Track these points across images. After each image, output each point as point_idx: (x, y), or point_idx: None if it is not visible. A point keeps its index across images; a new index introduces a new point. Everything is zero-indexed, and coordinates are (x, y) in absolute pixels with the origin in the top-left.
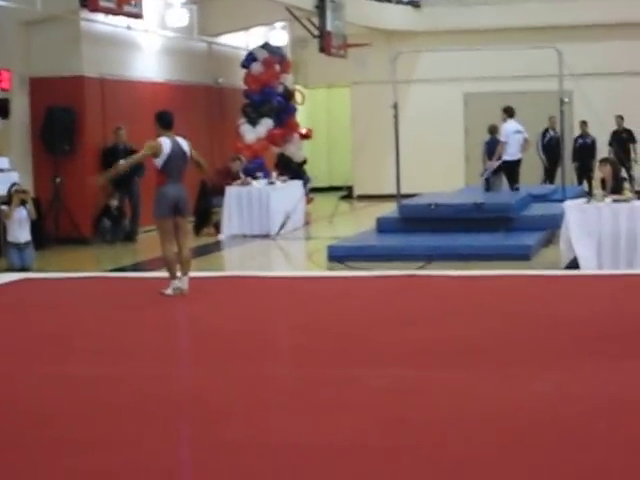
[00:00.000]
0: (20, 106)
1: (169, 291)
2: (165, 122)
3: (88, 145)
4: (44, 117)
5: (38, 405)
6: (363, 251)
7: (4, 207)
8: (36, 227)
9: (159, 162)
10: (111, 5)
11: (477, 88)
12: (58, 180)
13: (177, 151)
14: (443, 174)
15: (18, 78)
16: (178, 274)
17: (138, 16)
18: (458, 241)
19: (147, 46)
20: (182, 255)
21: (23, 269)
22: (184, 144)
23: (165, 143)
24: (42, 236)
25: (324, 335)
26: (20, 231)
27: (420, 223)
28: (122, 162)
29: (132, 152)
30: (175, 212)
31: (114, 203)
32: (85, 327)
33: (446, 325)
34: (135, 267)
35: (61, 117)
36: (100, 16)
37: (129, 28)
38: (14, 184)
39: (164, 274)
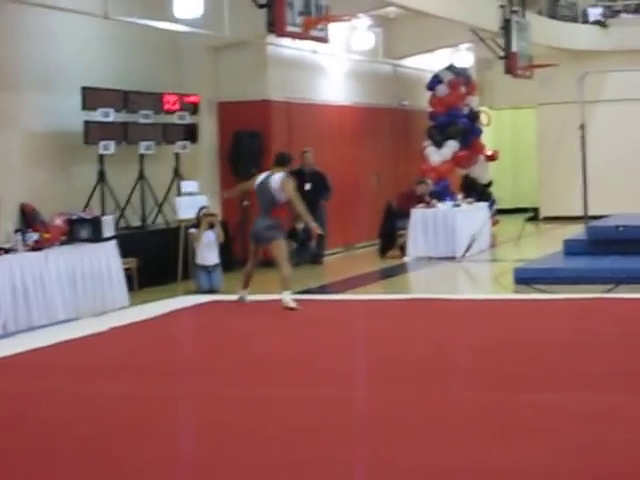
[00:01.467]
0: (208, 130)
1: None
2: (274, 160)
3: None
4: (231, 141)
5: (228, 424)
6: (550, 273)
7: (193, 230)
8: (224, 250)
9: None
10: (297, 30)
11: None
12: (245, 203)
13: (262, 186)
14: (632, 195)
15: (206, 102)
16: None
17: (324, 40)
18: None
19: (333, 69)
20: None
21: (211, 291)
22: (273, 180)
23: (258, 178)
24: (230, 259)
25: (512, 358)
26: (209, 254)
27: (608, 245)
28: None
29: (318, 175)
30: (256, 241)
31: (300, 226)
32: (272, 349)
33: (636, 349)
34: (321, 289)
35: (248, 141)
36: (286, 41)
37: (315, 52)
38: (203, 207)
39: (350, 296)
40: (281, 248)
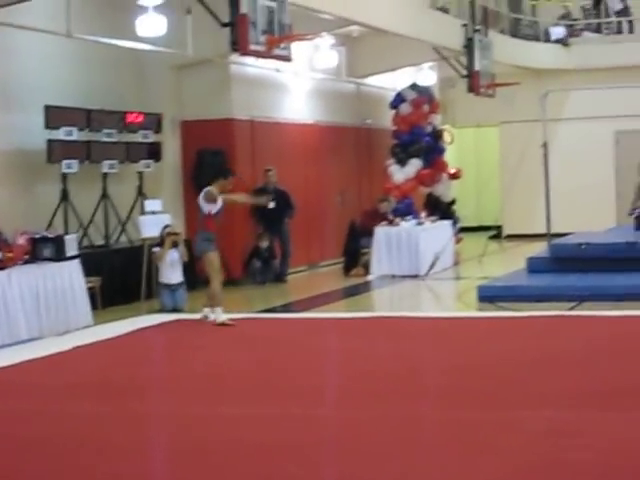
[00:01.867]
0: (171, 149)
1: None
2: None
3: (238, 187)
4: (195, 159)
5: (191, 443)
6: (514, 291)
7: (156, 249)
8: (188, 269)
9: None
10: (261, 48)
11: (628, 126)
12: None
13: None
14: (594, 213)
15: (169, 121)
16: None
17: (287, 59)
18: (610, 281)
19: (296, 88)
20: None
21: (175, 310)
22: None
23: None
24: (194, 277)
25: (475, 376)
26: (172, 272)
27: (571, 263)
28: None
29: (282, 193)
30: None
31: (264, 244)
32: (235, 368)
33: (599, 366)
34: (285, 307)
35: (212, 159)
36: (250, 59)
37: (278, 71)
38: (166, 226)
39: (315, 314)
40: (211, 261)
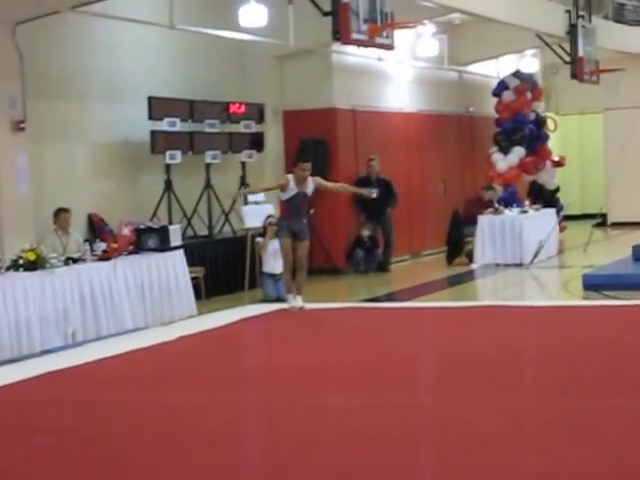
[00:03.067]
0: (274, 139)
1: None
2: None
3: (341, 176)
4: (297, 149)
5: (296, 432)
6: (619, 279)
7: (260, 239)
8: None
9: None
10: (363, 37)
11: None
12: (312, 211)
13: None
14: None
15: (272, 111)
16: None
17: (389, 47)
18: None
19: (398, 77)
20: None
21: (279, 299)
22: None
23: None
24: None
25: (583, 364)
26: (275, 262)
27: None
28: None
29: (384, 182)
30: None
31: (366, 233)
32: (339, 358)
33: None
34: (389, 297)
35: (314, 149)
36: (351, 48)
37: (380, 59)
38: (269, 216)
39: (419, 304)
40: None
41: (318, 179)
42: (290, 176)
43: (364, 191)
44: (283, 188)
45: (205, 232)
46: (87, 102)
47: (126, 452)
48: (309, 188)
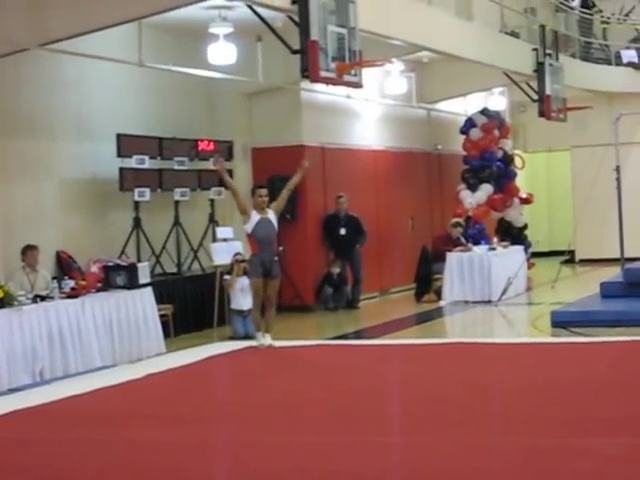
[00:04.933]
0: (243, 176)
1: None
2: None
3: (309, 213)
4: (267, 186)
5: (264, 471)
6: (587, 316)
7: (227, 277)
8: None
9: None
10: (331, 75)
11: None
12: (280, 249)
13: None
14: None
15: (241, 148)
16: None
17: (358, 85)
18: None
19: (367, 114)
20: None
21: (247, 337)
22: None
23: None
24: None
25: (550, 402)
26: (243, 299)
27: None
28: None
29: (353, 219)
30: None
31: (336, 270)
32: (307, 395)
33: None
34: (357, 334)
35: (283, 186)
36: (320, 86)
37: (349, 97)
38: (237, 253)
39: (388, 341)
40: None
41: (273, 204)
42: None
43: (302, 169)
44: (245, 212)
45: (174, 269)
46: (56, 139)
47: None
48: (271, 215)
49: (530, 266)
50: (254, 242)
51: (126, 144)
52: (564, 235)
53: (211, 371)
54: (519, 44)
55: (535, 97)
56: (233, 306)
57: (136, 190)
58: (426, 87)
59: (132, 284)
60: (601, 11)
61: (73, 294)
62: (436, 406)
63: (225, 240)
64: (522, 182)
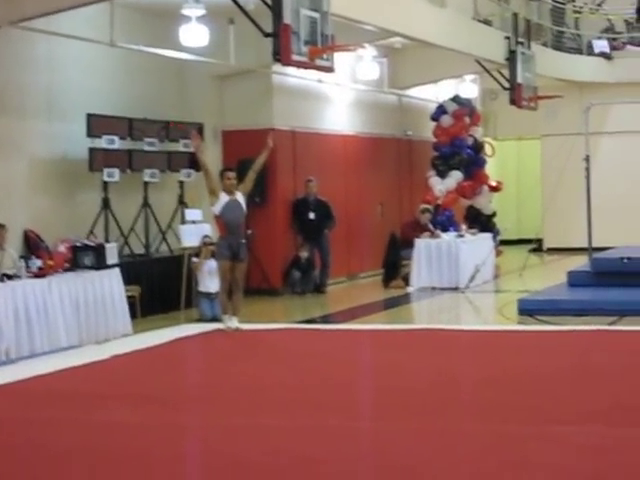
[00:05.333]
0: (213, 158)
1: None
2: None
3: (279, 197)
4: (236, 169)
5: (227, 455)
6: (554, 305)
7: (195, 259)
8: None
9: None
10: (303, 59)
11: None
12: (249, 232)
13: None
14: (636, 227)
15: (211, 131)
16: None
17: (329, 70)
18: None
19: (338, 99)
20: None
21: (214, 319)
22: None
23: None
24: None
25: (516, 390)
26: (211, 282)
27: (612, 277)
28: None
29: (322, 204)
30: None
31: (304, 255)
32: (273, 379)
33: None
34: (325, 319)
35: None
36: (292, 70)
37: (320, 81)
38: (205, 236)
39: (354, 326)
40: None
41: (240, 186)
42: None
43: (267, 148)
44: (214, 192)
45: (142, 251)
46: (26, 118)
47: (59, 471)
48: (239, 197)
49: (498, 254)
50: (222, 225)
51: (96, 124)
52: (532, 223)
53: (178, 353)
54: (491, 32)
55: (506, 85)
56: (201, 288)
57: (105, 170)
58: (398, 73)
59: (100, 265)
60: (574, 0)
61: (40, 274)
62: (401, 392)
63: (194, 222)
64: (492, 170)
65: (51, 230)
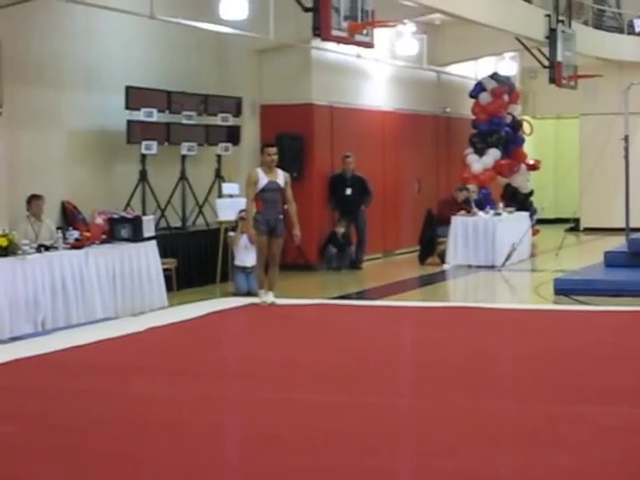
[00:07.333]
0: (251, 133)
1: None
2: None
3: (316, 172)
4: (275, 144)
5: (261, 429)
6: (590, 285)
7: (232, 233)
8: None
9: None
10: (343, 34)
11: None
12: (285, 206)
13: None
14: None
15: (249, 105)
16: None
17: (369, 45)
18: None
19: (376, 75)
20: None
21: (249, 293)
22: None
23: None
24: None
25: (550, 369)
26: (247, 256)
27: None
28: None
29: (359, 180)
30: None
31: (340, 230)
32: (307, 354)
33: None
34: (360, 295)
35: (291, 144)
36: (331, 45)
37: (359, 57)
38: (242, 210)
39: (390, 302)
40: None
41: (289, 177)
42: (257, 169)
43: (295, 231)
44: (256, 182)
45: (178, 224)
46: (64, 89)
47: (92, 442)
48: (280, 179)
49: (535, 233)
50: (260, 202)
51: (134, 96)
52: (570, 203)
53: (213, 327)
54: (532, 9)
55: (546, 63)
56: (237, 262)
57: (143, 143)
58: (437, 50)
59: (136, 237)
60: None
61: (77, 245)
62: (435, 369)
63: (231, 196)
64: (530, 148)
65: (88, 202)
